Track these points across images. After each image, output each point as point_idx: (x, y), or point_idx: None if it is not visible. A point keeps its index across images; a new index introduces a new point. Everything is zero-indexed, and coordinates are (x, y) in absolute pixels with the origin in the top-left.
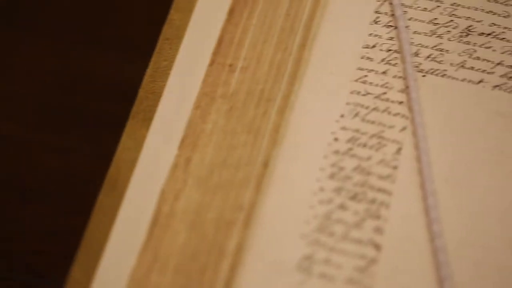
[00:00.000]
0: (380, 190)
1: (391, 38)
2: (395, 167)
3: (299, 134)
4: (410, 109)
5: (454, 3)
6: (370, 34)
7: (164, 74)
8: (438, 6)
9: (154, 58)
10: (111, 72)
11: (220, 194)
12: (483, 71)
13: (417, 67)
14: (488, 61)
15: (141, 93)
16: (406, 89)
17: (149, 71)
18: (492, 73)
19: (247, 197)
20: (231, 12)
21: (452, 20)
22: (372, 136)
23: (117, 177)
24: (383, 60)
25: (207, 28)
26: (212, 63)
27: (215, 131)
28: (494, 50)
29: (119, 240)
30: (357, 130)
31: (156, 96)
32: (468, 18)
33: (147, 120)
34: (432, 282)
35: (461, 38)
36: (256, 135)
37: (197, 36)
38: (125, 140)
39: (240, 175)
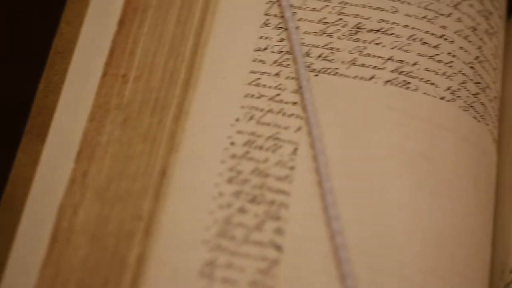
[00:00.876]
0: (279, 191)
1: (282, 40)
2: (292, 168)
3: (196, 140)
4: (304, 109)
5: (342, 2)
6: (261, 37)
7: (57, 88)
8: (327, 5)
9: (45, 73)
10: (4, 89)
11: (119, 206)
12: (374, 67)
13: (309, 67)
14: (379, 57)
15: (34, 108)
16: (299, 90)
17: (41, 85)
18: (383, 68)
19: (146, 207)
20: (121, 22)
21: (341, 19)
22: (268, 138)
23: (14, 195)
24: (275, 62)
25: (98, 39)
26: (104, 74)
27: (111, 143)
28: (383, 46)
29: (20, 258)
30: (253, 133)
31: (50, 111)
32: (356, 15)
33: (42, 135)
34: (334, 279)
35: (350, 36)
36: (152, 144)
37: (88, 48)
38: (21, 156)
39: (138, 185)
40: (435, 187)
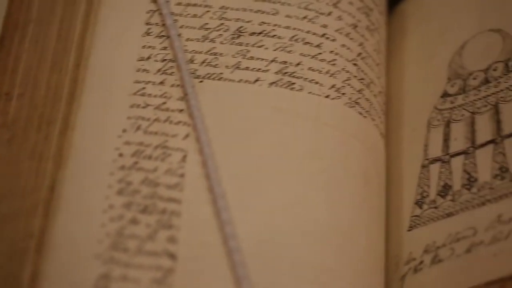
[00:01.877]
0: (170, 199)
1: (165, 48)
2: (182, 175)
3: (83, 154)
4: (191, 116)
5: (223, 7)
6: (144, 46)
7: None
8: (208, 11)
9: None
10: None
11: (9, 224)
12: (258, 69)
13: (193, 73)
14: (262, 59)
15: None
16: (185, 97)
17: None
18: (267, 70)
19: (36, 224)
20: (1, 40)
21: (222, 24)
22: (156, 147)
23: None
24: (159, 70)
25: None
26: None
27: None
28: (266, 48)
29: None
30: (140, 143)
31: None
32: (238, 19)
33: None
34: (230, 283)
35: (233, 40)
36: (39, 161)
37: None
38: None
39: (27, 202)
40: (324, 185)
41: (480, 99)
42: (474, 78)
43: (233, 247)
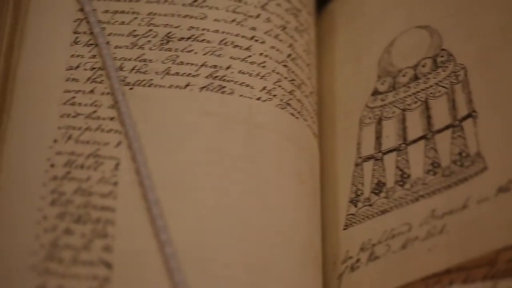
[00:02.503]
0: (104, 208)
1: (93, 56)
2: (115, 183)
3: (14, 165)
4: (122, 123)
5: (151, 13)
6: (72, 55)
7: None
8: (135, 17)
9: None
10: None
11: None
12: (189, 74)
13: (123, 81)
14: (192, 64)
15: None
16: (115, 105)
17: None
18: (197, 75)
19: None
20: None
21: (151, 30)
22: (89, 156)
23: None
24: (89, 79)
25: None
26: None
27: None
28: (196, 53)
29: None
30: (72, 153)
31: None
32: (166, 25)
33: None
34: None
35: (162, 46)
36: None
37: None
38: None
39: None
40: (259, 187)
41: (410, 95)
42: (404, 75)
43: (169, 253)
